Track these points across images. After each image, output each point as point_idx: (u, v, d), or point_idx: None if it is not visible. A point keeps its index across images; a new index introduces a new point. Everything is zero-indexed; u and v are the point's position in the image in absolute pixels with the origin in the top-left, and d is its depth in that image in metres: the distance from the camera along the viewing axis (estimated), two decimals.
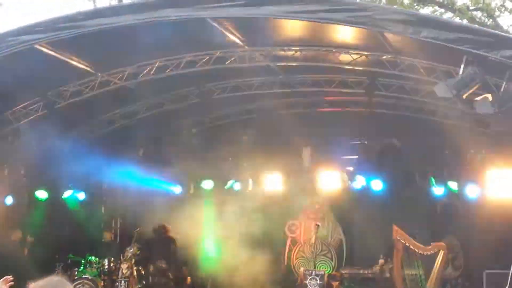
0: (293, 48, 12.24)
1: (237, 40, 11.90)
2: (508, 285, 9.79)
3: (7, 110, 13.72)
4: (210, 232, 17.57)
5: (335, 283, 15.70)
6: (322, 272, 14.72)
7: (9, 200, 15.80)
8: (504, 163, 14.46)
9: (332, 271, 17.53)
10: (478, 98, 9.87)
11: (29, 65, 11.26)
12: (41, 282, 4.24)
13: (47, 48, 11.31)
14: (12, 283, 5.47)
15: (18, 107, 13.79)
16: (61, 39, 10.75)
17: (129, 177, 16.87)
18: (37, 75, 12.13)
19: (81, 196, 17.35)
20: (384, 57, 11.70)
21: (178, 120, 16.39)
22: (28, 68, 11.38)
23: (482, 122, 13.57)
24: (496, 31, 9.23)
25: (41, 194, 16.45)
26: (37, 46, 11.01)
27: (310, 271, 14.59)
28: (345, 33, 11.16)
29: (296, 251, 18.34)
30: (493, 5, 26.58)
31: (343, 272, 16.88)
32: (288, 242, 18.45)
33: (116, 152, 15.85)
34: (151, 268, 15.99)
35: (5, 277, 5.72)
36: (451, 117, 14.47)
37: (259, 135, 15.92)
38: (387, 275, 15.70)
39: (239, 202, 17.56)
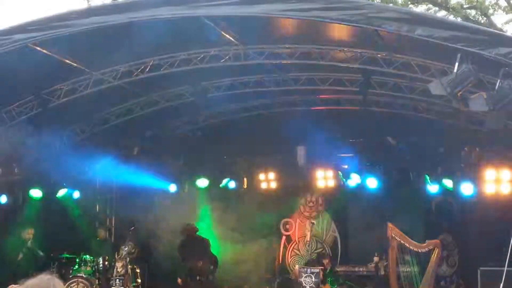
0: (287, 46, 12.23)
1: (232, 39, 11.88)
2: (502, 282, 9.80)
3: (1, 109, 13.67)
4: (204, 230, 17.54)
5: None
6: (317, 270, 14.71)
7: (3, 199, 15.78)
8: (499, 160, 14.50)
9: (327, 269, 17.56)
10: (472, 96, 9.88)
11: (23, 64, 11.22)
12: (32, 280, 4.24)
13: (40, 47, 11.27)
14: None
15: (12, 106, 13.74)
16: (54, 38, 10.73)
17: (123, 176, 16.85)
18: (31, 74, 12.10)
19: (76, 194, 17.31)
20: (378, 55, 11.70)
21: (173, 119, 16.37)
22: (21, 67, 11.33)
23: (476, 120, 13.57)
24: (490, 29, 9.22)
25: (36, 193, 16.42)
26: (30, 45, 10.98)
27: (305, 269, 14.58)
28: (339, 31, 11.17)
29: (291, 249, 18.35)
30: (486, 3, 26.62)
31: (338, 269, 16.90)
32: (283, 240, 18.46)
33: (111, 150, 15.83)
34: (189, 267, 15.97)
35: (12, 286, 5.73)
36: (446, 115, 14.49)
37: (254, 133, 15.90)
38: (382, 272, 15.75)
39: (234, 201, 17.58)
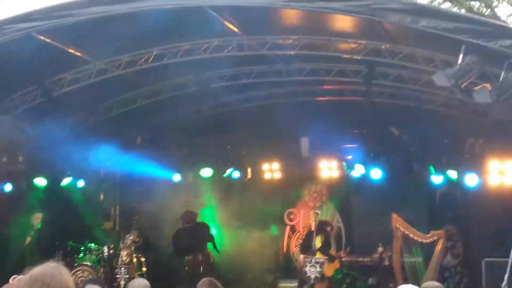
0: (291, 37, 12.19)
1: (235, 29, 11.85)
2: (507, 273, 9.76)
3: (5, 98, 13.68)
4: (208, 220, 17.57)
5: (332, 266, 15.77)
6: (322, 260, 14.75)
7: (7, 188, 15.82)
8: (503, 152, 14.46)
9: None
10: (476, 88, 9.85)
11: (26, 53, 11.20)
12: (38, 268, 4.24)
13: (44, 36, 11.26)
14: None
15: (16, 95, 13.75)
16: (57, 27, 10.71)
17: (128, 165, 16.88)
18: (34, 63, 12.07)
19: (80, 183, 17.34)
20: (382, 46, 11.66)
21: (176, 109, 16.36)
22: (25, 56, 11.31)
23: (481, 111, 13.52)
24: (495, 21, 9.19)
25: (40, 182, 16.45)
26: (33, 34, 10.96)
27: (310, 259, 14.62)
28: (343, 22, 11.12)
29: (295, 239, 18.36)
30: None
31: (342, 260, 16.93)
32: (287, 230, 18.47)
33: (115, 140, 15.83)
34: (200, 257, 15.90)
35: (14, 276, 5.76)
36: (450, 106, 14.45)
37: (258, 124, 15.88)
38: (386, 263, 15.76)
39: (238, 191, 17.58)
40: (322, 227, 15.73)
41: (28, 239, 15.04)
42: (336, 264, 15.89)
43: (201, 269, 15.77)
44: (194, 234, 15.99)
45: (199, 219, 16.89)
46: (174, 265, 16.75)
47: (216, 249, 17.16)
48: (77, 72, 13.42)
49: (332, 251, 16.02)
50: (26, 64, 11.82)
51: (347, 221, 18.17)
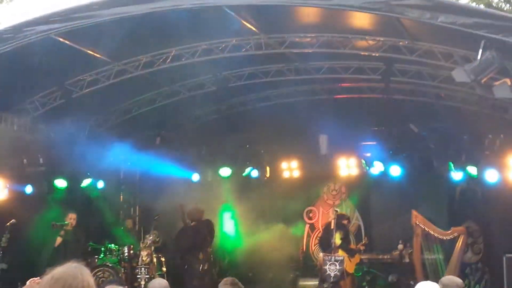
0: (308, 35, 12.19)
1: (253, 28, 11.86)
2: None
3: (25, 100, 13.78)
4: (228, 219, 17.60)
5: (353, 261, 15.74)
6: (342, 258, 14.71)
7: (28, 189, 15.90)
8: None
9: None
10: (496, 83, 9.79)
11: (46, 55, 11.32)
12: (60, 268, 4.26)
13: (63, 38, 11.32)
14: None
15: (36, 96, 13.85)
16: (76, 29, 10.77)
17: (147, 165, 16.93)
18: (54, 65, 12.20)
19: (100, 184, 17.41)
20: (400, 42, 11.62)
21: (195, 108, 16.41)
22: (44, 58, 11.44)
23: (501, 107, 13.45)
24: None
25: (60, 183, 16.52)
26: (53, 36, 11.03)
27: (330, 257, 14.58)
28: (361, 19, 11.10)
29: (315, 237, 18.36)
30: None
31: (362, 257, 16.92)
32: (307, 228, 18.47)
33: (134, 140, 15.91)
34: (201, 255, 15.86)
35: (32, 278, 5.77)
36: (469, 102, 14.38)
37: (276, 122, 15.89)
38: (407, 260, 15.72)
39: (257, 189, 17.59)
40: (339, 222, 15.64)
41: (59, 240, 15.07)
42: (357, 259, 15.83)
43: (201, 268, 15.67)
44: (197, 232, 15.91)
45: (205, 217, 16.69)
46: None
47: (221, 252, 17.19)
48: (97, 73, 13.50)
49: (352, 245, 16.00)
50: (46, 66, 11.95)
51: (367, 218, 18.15)
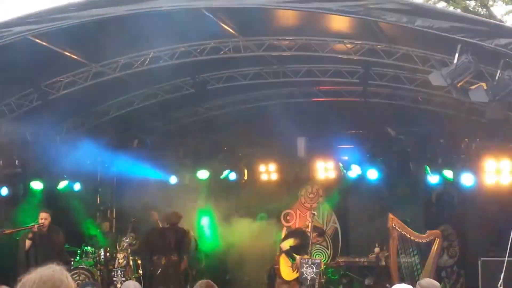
0: (287, 38, 12.21)
1: (231, 30, 11.87)
2: (503, 272, 9.81)
3: (1, 101, 13.67)
4: (205, 222, 17.56)
5: None
6: (318, 261, 14.71)
7: (4, 191, 15.78)
8: (499, 151, 14.50)
9: (328, 260, 17.57)
10: (472, 87, 9.88)
11: (22, 57, 11.22)
12: (46, 270, 4.22)
13: (40, 40, 11.26)
14: None
15: (12, 98, 13.74)
16: (54, 30, 10.71)
17: (124, 168, 16.86)
18: (31, 66, 12.12)
19: (77, 186, 17.31)
20: (378, 46, 11.68)
21: (172, 111, 16.37)
22: (21, 59, 11.34)
23: (477, 111, 13.57)
24: (491, 20, 9.22)
25: (36, 185, 16.41)
26: (30, 38, 10.96)
27: (306, 260, 14.57)
28: (339, 23, 11.15)
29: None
30: None
31: (339, 260, 16.94)
32: (284, 231, 18.44)
33: (111, 142, 15.84)
34: (163, 260, 15.77)
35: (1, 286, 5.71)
36: (446, 106, 14.49)
37: (254, 125, 15.91)
38: (383, 263, 15.75)
39: (235, 192, 17.59)
40: (301, 229, 15.55)
41: (28, 243, 14.72)
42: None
43: (159, 272, 15.65)
44: (163, 236, 15.87)
45: (183, 220, 16.59)
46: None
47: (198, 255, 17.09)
48: (74, 75, 13.42)
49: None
50: (22, 67, 11.87)
51: (344, 221, 18.19)
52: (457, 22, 9.12)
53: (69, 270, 14.07)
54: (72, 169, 15.88)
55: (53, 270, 4.21)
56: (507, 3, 26.64)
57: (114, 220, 18.84)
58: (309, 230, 15.38)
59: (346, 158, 16.81)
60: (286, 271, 14.50)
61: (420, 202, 16.83)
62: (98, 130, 15.56)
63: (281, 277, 14.56)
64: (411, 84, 13.51)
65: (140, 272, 16.14)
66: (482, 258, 14.77)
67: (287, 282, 14.45)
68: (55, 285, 4.10)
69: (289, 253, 14.49)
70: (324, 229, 17.85)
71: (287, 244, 14.65)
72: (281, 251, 14.74)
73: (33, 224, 13.98)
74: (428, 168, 15.77)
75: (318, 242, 16.30)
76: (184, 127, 16.95)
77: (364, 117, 15.64)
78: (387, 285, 14.86)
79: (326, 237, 17.99)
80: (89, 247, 16.26)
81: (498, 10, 27.02)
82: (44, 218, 13.97)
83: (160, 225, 16.30)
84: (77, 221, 17.08)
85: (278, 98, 15.90)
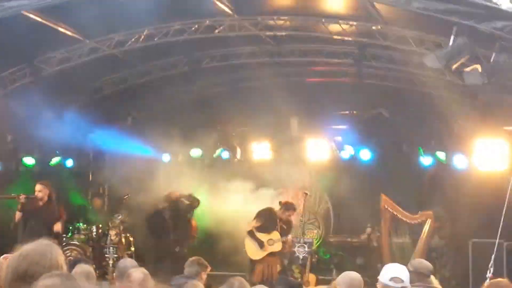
0: (282, 18, 12.17)
1: (226, 9, 11.81)
2: (493, 254, 9.86)
3: None
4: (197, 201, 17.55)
5: None
6: (311, 240, 14.80)
7: None
8: (492, 133, 14.51)
9: (319, 240, 17.63)
10: (467, 69, 9.86)
11: (16, 32, 11.14)
12: (29, 246, 4.21)
13: (34, 14, 11.18)
14: None
15: (4, 73, 13.66)
16: (48, 5, 10.61)
17: (117, 145, 16.83)
18: (24, 41, 12.03)
19: (69, 163, 17.29)
20: (373, 27, 11.65)
21: (167, 88, 16.32)
22: (14, 34, 11.25)
23: (470, 93, 13.56)
24: (486, 3, 9.17)
25: (29, 161, 16.39)
26: (24, 12, 10.87)
27: (298, 239, 14.63)
28: (334, 3, 11.12)
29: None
30: None
31: (330, 240, 17.00)
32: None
33: (105, 119, 15.80)
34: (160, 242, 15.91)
35: (4, 255, 5.71)
36: (440, 88, 14.47)
37: (248, 104, 15.87)
38: (375, 243, 15.83)
39: (227, 171, 17.59)
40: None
41: (18, 215, 14.51)
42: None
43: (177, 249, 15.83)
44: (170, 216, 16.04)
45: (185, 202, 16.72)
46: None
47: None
48: (68, 51, 13.35)
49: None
50: (15, 42, 11.78)
51: (336, 202, 18.22)
52: (453, 4, 9.07)
53: (62, 246, 14.22)
54: (64, 145, 15.87)
55: (37, 244, 4.19)
56: None
57: (106, 197, 18.82)
58: (300, 210, 15.45)
59: (339, 138, 16.80)
60: (252, 251, 14.32)
61: (412, 183, 16.83)
62: (92, 106, 15.51)
63: (250, 258, 14.43)
64: (406, 65, 13.50)
65: (132, 249, 16.17)
66: (473, 240, 14.86)
67: (260, 261, 14.31)
68: (34, 260, 4.10)
69: (252, 234, 14.36)
70: (316, 208, 17.93)
71: (250, 225, 14.53)
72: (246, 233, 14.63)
73: (18, 194, 13.45)
74: (421, 150, 15.80)
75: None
76: (178, 105, 16.90)
77: (358, 98, 15.63)
78: (378, 265, 14.94)
79: (317, 217, 18.07)
80: (81, 224, 16.26)
81: None
82: (38, 190, 13.41)
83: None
84: (70, 197, 17.08)
85: (272, 78, 15.86)
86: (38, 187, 13.48)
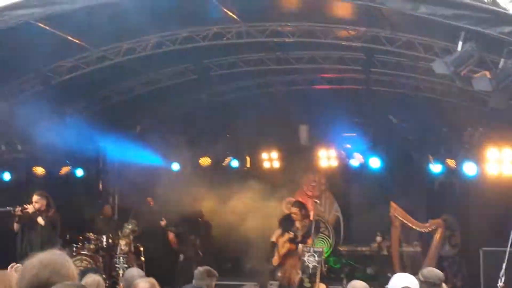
0: (290, 24, 12.16)
1: (234, 16, 11.82)
2: (505, 262, 9.77)
3: (4, 86, 13.64)
4: (207, 209, 17.54)
5: None
6: (320, 249, 14.72)
7: (6, 176, 15.78)
8: (502, 140, 14.45)
9: (330, 248, 17.57)
10: (476, 75, 9.82)
11: (25, 41, 11.20)
12: (46, 255, 4.21)
13: (43, 24, 11.20)
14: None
15: (15, 82, 13.71)
16: (56, 15, 10.67)
17: (127, 154, 16.85)
18: (33, 50, 12.05)
19: (79, 172, 17.32)
20: (381, 33, 11.62)
21: (175, 97, 16.34)
22: (24, 43, 11.32)
23: (480, 100, 13.51)
24: (494, 8, 9.14)
25: (39, 171, 16.42)
26: (32, 21, 10.92)
27: (308, 248, 14.57)
28: (342, 9, 11.10)
29: None
30: None
31: (340, 249, 16.93)
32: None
33: (114, 128, 15.82)
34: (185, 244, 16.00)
35: (13, 264, 5.71)
36: (449, 95, 14.43)
37: (257, 112, 15.87)
38: (385, 252, 15.76)
39: (237, 180, 17.57)
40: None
41: (16, 226, 14.39)
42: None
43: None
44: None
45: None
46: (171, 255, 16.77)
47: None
48: (76, 59, 13.38)
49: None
50: (25, 51, 11.82)
51: (346, 210, 18.19)
52: (461, 9, 9.06)
53: (72, 256, 14.20)
54: (74, 155, 15.89)
55: (53, 254, 4.20)
56: None
57: (116, 206, 18.83)
58: (310, 219, 15.38)
59: (348, 146, 16.78)
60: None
61: (422, 191, 16.80)
62: (101, 115, 15.53)
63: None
64: (414, 72, 13.47)
65: (143, 258, 16.16)
66: (483, 248, 14.77)
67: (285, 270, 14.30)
68: (56, 269, 4.09)
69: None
70: (326, 217, 17.88)
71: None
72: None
73: (10, 208, 13.38)
74: (430, 157, 15.73)
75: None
76: (187, 113, 16.92)
77: (366, 105, 15.61)
78: (388, 274, 14.86)
79: (327, 226, 18.01)
80: (91, 233, 16.26)
81: None
82: (35, 201, 13.55)
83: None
84: (80, 207, 17.08)
85: (280, 85, 15.86)
86: (35, 197, 13.64)
